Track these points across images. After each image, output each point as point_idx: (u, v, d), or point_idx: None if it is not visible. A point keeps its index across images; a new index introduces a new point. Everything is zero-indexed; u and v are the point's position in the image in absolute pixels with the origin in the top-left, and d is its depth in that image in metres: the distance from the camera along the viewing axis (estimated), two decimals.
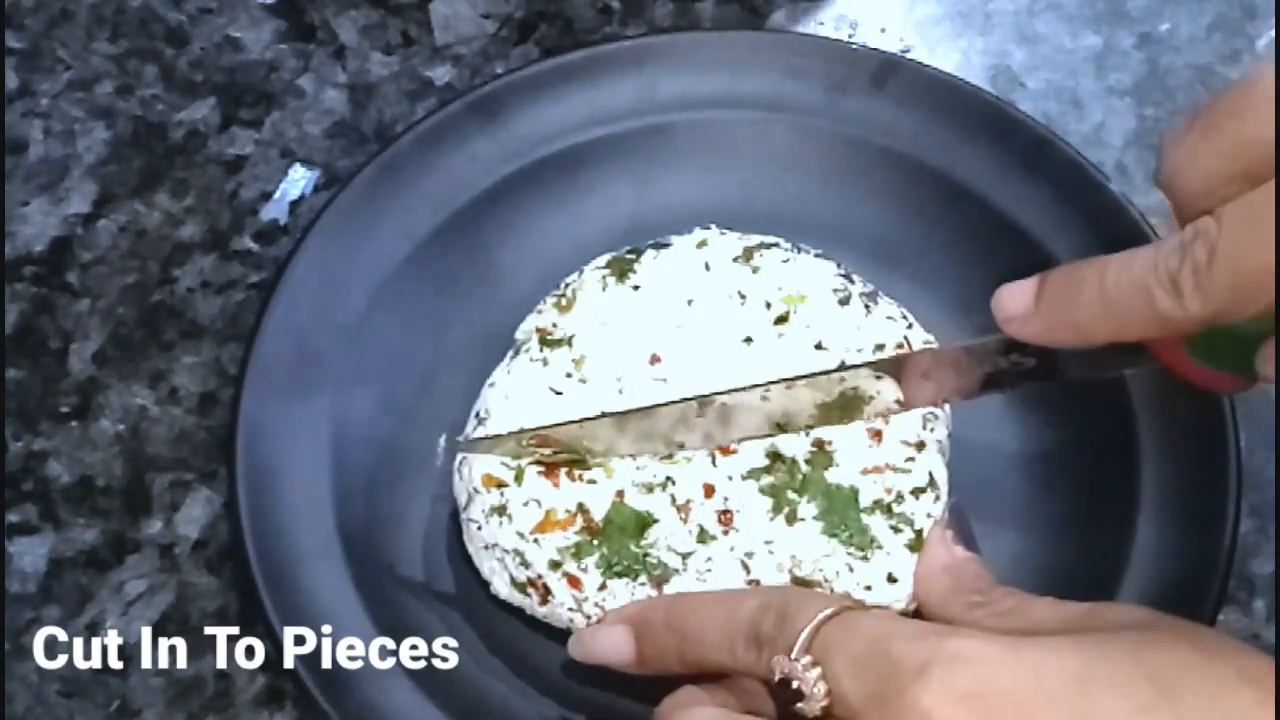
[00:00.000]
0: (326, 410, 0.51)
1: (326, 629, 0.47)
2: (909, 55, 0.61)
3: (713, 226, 0.53)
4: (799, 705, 0.39)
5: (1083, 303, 0.40)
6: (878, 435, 0.48)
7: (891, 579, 0.46)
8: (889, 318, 0.51)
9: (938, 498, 0.48)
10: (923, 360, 0.47)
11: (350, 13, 0.62)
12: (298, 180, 0.59)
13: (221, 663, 0.50)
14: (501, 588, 0.48)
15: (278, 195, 0.59)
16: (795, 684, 0.39)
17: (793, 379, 0.47)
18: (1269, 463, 0.54)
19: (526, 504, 0.47)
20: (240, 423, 0.49)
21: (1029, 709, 0.36)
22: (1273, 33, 0.62)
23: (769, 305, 0.50)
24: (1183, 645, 0.38)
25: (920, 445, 0.48)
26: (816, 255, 0.52)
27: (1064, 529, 0.51)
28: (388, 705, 0.46)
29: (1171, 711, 0.36)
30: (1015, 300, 0.42)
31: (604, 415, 0.48)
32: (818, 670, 0.39)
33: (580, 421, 0.47)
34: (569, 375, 0.49)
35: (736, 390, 0.47)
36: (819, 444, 0.48)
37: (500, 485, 0.48)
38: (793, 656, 0.39)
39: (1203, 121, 0.37)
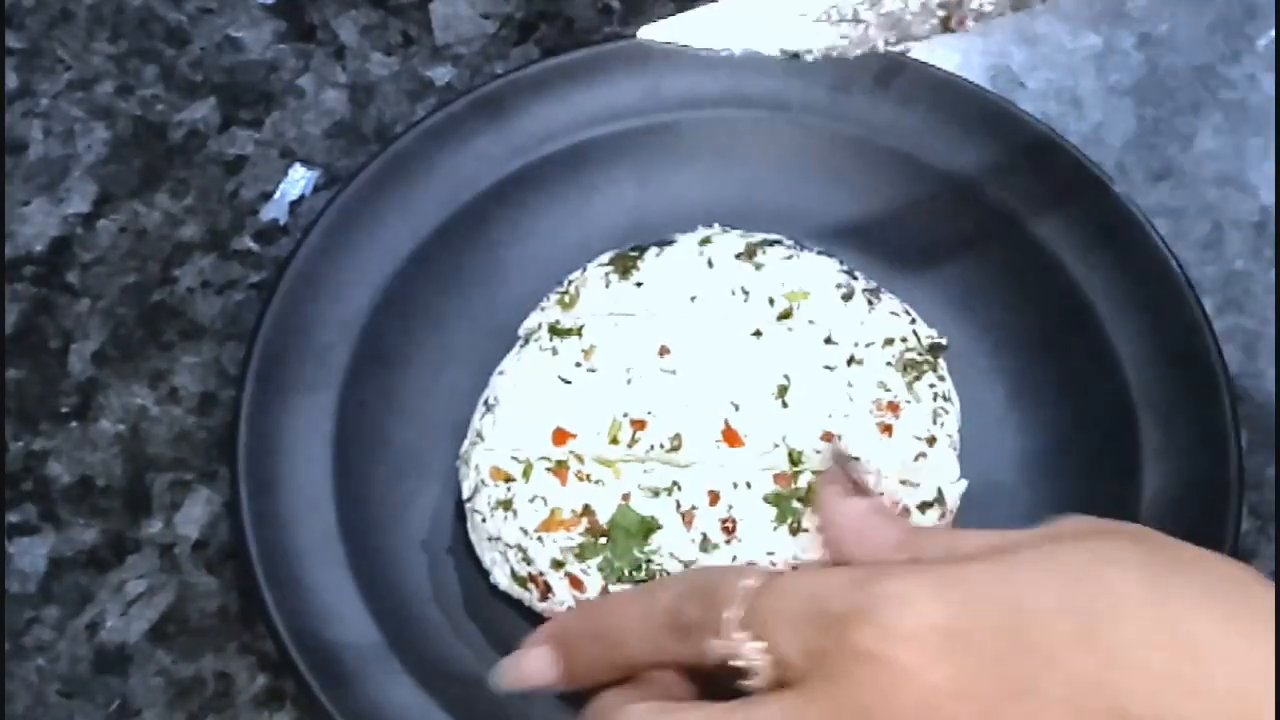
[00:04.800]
0: (329, 408, 0.51)
1: (328, 626, 0.47)
2: (909, 55, 0.61)
3: (715, 224, 0.53)
4: (745, 683, 0.38)
5: None
6: (888, 429, 0.48)
7: None
8: (892, 313, 0.51)
9: (943, 514, 0.48)
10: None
11: (350, 13, 0.62)
12: (298, 180, 0.59)
13: (221, 663, 0.50)
14: (501, 579, 0.48)
15: (278, 195, 0.59)
16: (738, 662, 0.38)
17: None
18: (1269, 463, 0.54)
19: (532, 500, 0.47)
20: (242, 420, 0.49)
21: (967, 642, 0.35)
22: (1273, 33, 0.63)
23: (772, 301, 0.51)
24: (1129, 561, 0.36)
25: (931, 440, 0.48)
26: (819, 253, 0.53)
27: None
28: (389, 703, 0.46)
29: (1112, 636, 0.34)
30: None
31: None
32: (758, 643, 0.37)
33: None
34: (578, 365, 0.49)
35: None
36: (827, 437, 0.48)
37: (508, 479, 0.48)
38: (729, 635, 0.38)
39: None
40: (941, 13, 0.45)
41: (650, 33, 0.46)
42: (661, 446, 0.48)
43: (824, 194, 0.56)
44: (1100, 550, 0.36)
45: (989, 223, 0.55)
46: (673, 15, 0.52)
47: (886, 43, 0.45)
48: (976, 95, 0.56)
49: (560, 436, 0.48)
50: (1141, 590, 0.35)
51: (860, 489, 0.45)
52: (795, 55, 0.45)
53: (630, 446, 0.48)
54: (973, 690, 0.34)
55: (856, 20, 0.45)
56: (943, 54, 0.62)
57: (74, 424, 0.54)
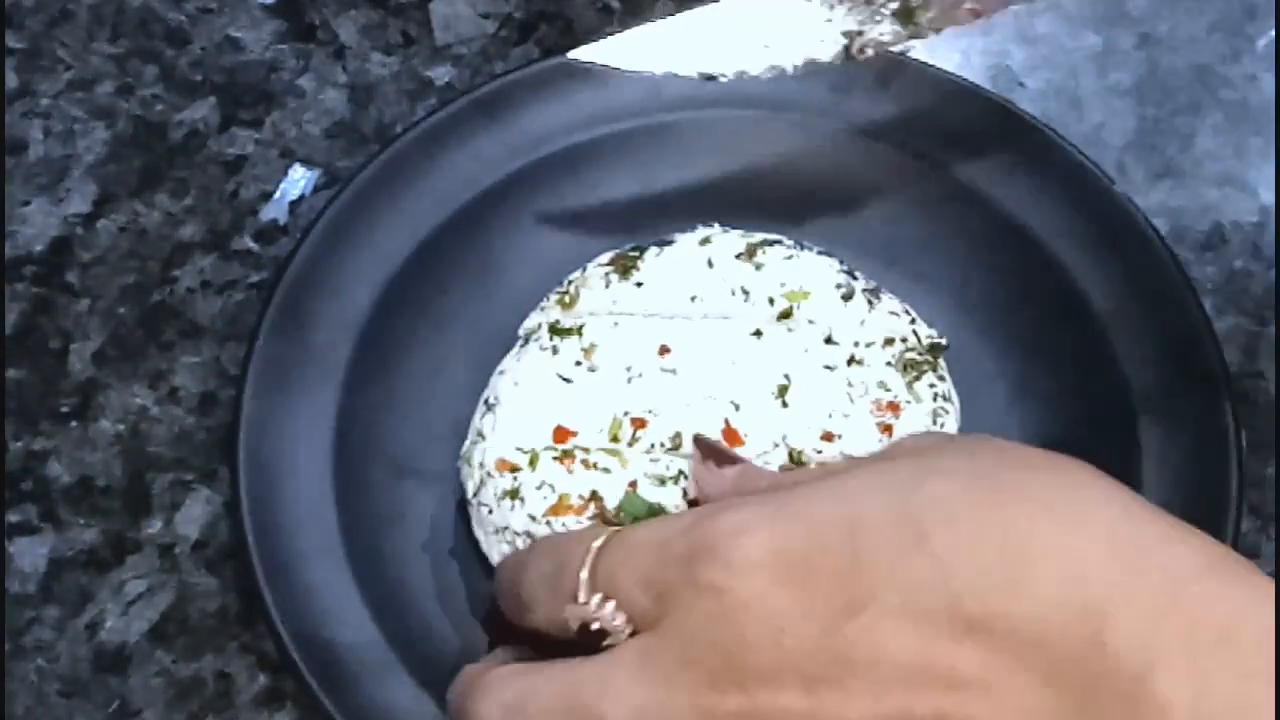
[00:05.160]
0: (329, 407, 0.51)
1: (328, 626, 0.47)
2: (909, 55, 0.61)
3: (715, 224, 0.53)
4: (607, 643, 0.38)
5: None
6: (888, 429, 0.48)
7: None
8: (892, 313, 0.51)
9: None
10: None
11: (350, 13, 0.62)
12: (298, 180, 0.59)
13: (221, 663, 0.50)
14: None
15: (278, 195, 0.59)
16: (595, 625, 0.38)
17: None
18: (1269, 462, 0.54)
19: (540, 487, 0.48)
20: (242, 420, 0.49)
21: (804, 563, 0.35)
22: (1273, 33, 0.63)
23: (772, 301, 0.51)
24: (957, 468, 0.36)
25: None
26: (819, 252, 0.53)
27: None
28: (389, 703, 0.46)
29: (942, 539, 0.34)
30: None
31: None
32: (611, 603, 0.38)
33: None
34: (578, 364, 0.49)
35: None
36: (827, 437, 0.48)
37: (514, 469, 0.48)
38: (581, 600, 0.38)
39: None
40: (844, 40, 0.47)
41: (581, 54, 0.48)
42: (662, 445, 0.48)
43: (824, 194, 0.56)
44: (928, 461, 0.37)
45: (988, 223, 0.55)
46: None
47: (795, 69, 0.48)
48: (978, 96, 0.56)
49: (561, 435, 0.48)
50: (971, 493, 0.35)
51: (730, 459, 0.45)
52: (712, 78, 0.48)
53: (631, 445, 0.48)
54: (814, 610, 0.35)
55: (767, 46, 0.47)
56: (943, 54, 0.62)
57: (74, 424, 0.54)
